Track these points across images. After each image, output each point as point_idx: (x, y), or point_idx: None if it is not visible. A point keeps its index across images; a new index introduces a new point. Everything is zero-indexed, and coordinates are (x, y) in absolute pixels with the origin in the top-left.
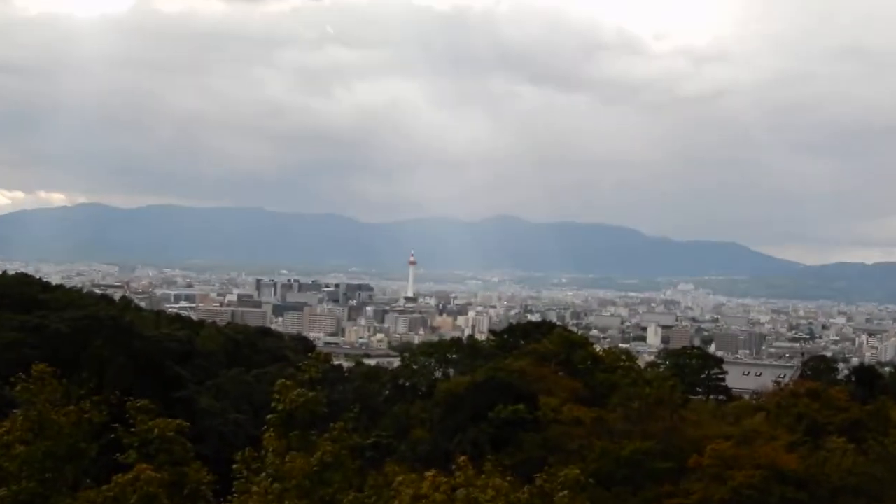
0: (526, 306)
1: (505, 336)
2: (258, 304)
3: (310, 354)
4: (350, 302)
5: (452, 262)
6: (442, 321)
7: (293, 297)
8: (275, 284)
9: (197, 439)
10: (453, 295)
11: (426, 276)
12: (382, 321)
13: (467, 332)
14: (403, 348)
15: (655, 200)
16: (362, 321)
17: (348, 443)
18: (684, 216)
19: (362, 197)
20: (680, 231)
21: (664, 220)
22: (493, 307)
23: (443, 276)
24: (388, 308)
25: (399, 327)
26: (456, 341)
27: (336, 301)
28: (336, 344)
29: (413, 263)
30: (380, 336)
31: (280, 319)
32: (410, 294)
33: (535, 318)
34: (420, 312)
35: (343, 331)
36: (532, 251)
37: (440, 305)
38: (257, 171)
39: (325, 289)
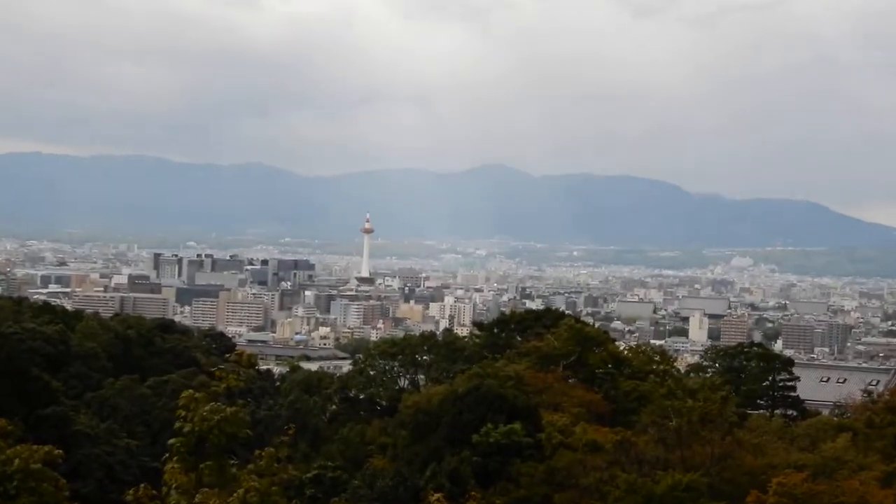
0: (523, 289)
1: (495, 330)
2: (157, 288)
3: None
4: (283, 284)
5: (423, 229)
6: (408, 310)
7: (205, 277)
8: (179, 261)
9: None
10: (423, 274)
11: (387, 248)
12: (327, 310)
13: (443, 324)
14: (356, 347)
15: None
16: (299, 310)
17: (281, 476)
18: (741, 167)
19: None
20: (735, 187)
21: (713, 173)
22: (479, 290)
23: (409, 249)
24: (334, 293)
25: (350, 318)
26: (428, 337)
27: (263, 283)
28: (264, 342)
29: (369, 231)
30: (324, 331)
31: (187, 309)
32: (365, 273)
33: (535, 304)
34: (379, 298)
35: (273, 324)
36: (532, 214)
37: (406, 288)
38: (156, 108)
39: (249, 266)
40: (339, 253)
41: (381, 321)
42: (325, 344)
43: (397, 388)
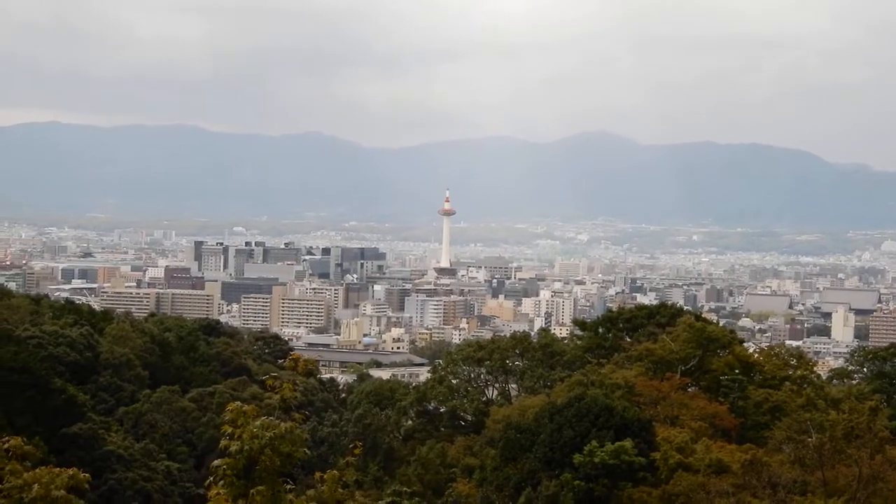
0: (633, 281)
1: (600, 330)
2: (199, 283)
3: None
4: (348, 277)
5: (513, 210)
6: (497, 306)
7: (255, 270)
8: (225, 250)
9: (104, 502)
10: (514, 264)
11: (470, 233)
12: (401, 308)
13: (538, 323)
14: (435, 351)
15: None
16: (368, 308)
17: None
18: (893, 131)
19: (364, 108)
20: (886, 155)
21: (859, 139)
22: (581, 283)
23: (497, 234)
24: (409, 287)
25: (427, 317)
26: (520, 339)
27: (325, 276)
28: (326, 346)
29: (449, 213)
30: (397, 332)
31: (235, 307)
32: (445, 263)
33: (648, 299)
34: (461, 293)
35: (337, 324)
36: (642, 191)
37: (494, 281)
38: (193, 70)
39: (308, 256)
40: (413, 239)
41: (464, 320)
42: (398, 348)
43: (484, 399)
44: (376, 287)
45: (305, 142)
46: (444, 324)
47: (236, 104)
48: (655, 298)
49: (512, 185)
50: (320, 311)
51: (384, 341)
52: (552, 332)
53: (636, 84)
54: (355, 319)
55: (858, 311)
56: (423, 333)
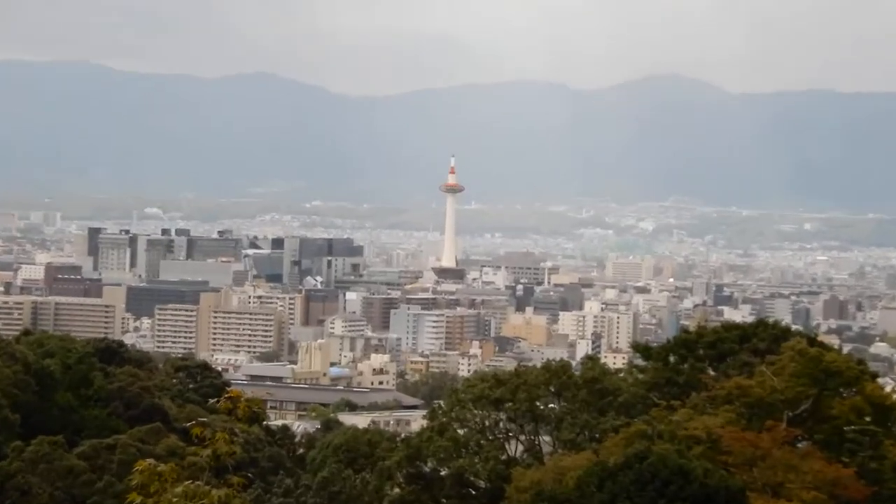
0: (719, 288)
1: (670, 358)
2: (95, 287)
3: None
4: (309, 281)
5: (546, 185)
6: (523, 324)
7: (176, 269)
8: (132, 241)
9: None
10: (548, 264)
11: (486, 218)
12: (385, 325)
13: (582, 349)
14: (434, 388)
15: None
16: (338, 325)
17: None
18: None
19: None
20: None
21: None
22: (643, 290)
23: (524, 220)
24: (396, 295)
25: (423, 339)
26: (557, 371)
27: (276, 279)
28: (278, 379)
29: (454, 189)
30: (379, 360)
31: (146, 322)
32: (449, 262)
33: (740, 314)
34: (472, 304)
35: (293, 347)
36: (730, 159)
37: (518, 287)
38: None
39: (252, 250)
40: (403, 227)
41: (476, 343)
42: (380, 383)
43: (504, 458)
44: (350, 295)
45: (252, 86)
46: (446, 348)
47: (152, 37)
48: (751, 314)
49: (546, 149)
50: (268, 329)
51: (360, 373)
52: (602, 361)
53: (724, 7)
54: (319, 342)
55: None
56: (416, 362)
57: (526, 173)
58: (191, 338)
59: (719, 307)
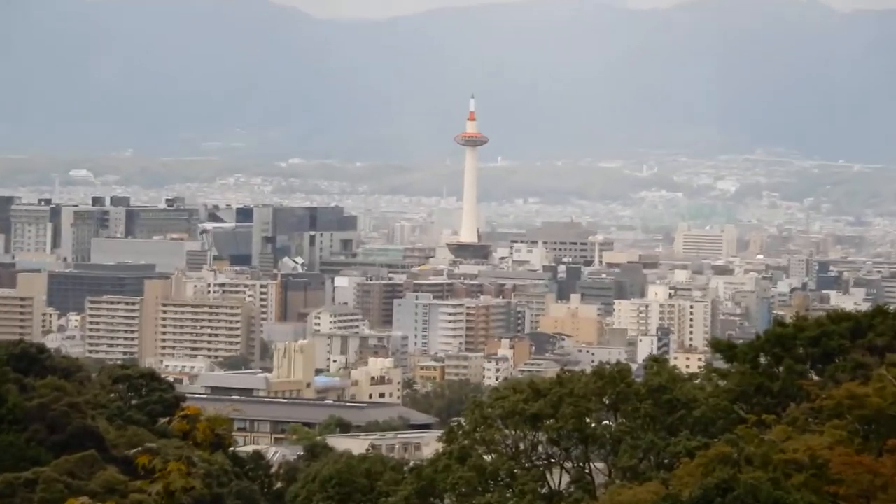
0: (822, 267)
1: (760, 359)
2: (7, 274)
3: (167, 422)
4: (287, 262)
5: (594, 134)
6: (568, 316)
7: (112, 249)
8: (55, 211)
9: None
10: (599, 237)
11: (516, 178)
12: (387, 319)
13: (645, 348)
14: (451, 402)
15: None
16: (325, 320)
17: None
18: None
19: None
20: None
21: None
22: (724, 271)
23: (565, 179)
24: (401, 280)
25: (437, 336)
26: (612, 377)
27: (243, 261)
28: (248, 392)
29: (475, 141)
30: (379, 364)
31: (74, 318)
32: (469, 236)
33: (851, 301)
34: (500, 291)
35: (267, 350)
36: (839, 101)
37: (560, 269)
38: None
39: (212, 224)
40: (409, 191)
41: (505, 342)
42: (381, 395)
43: (545, 491)
44: (340, 281)
45: (205, 7)
46: (467, 349)
47: None
48: (865, 299)
49: (594, 87)
50: (234, 326)
51: (355, 383)
52: (671, 363)
53: None
54: (300, 342)
55: None
56: (427, 368)
57: (568, 119)
58: (133, 339)
59: (824, 291)
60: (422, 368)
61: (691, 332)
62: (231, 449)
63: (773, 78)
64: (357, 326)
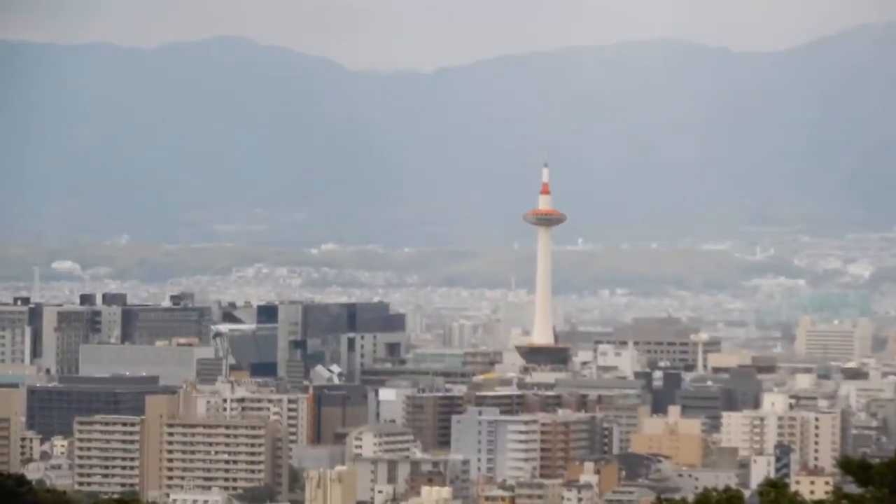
0: None
1: None
2: None
3: None
4: (321, 372)
5: (695, 209)
6: (665, 432)
7: (104, 357)
8: (34, 312)
9: None
10: (701, 336)
11: (600, 262)
12: (444, 439)
13: (761, 470)
14: None
15: None
16: (367, 441)
17: None
18: None
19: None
20: None
21: None
22: (857, 374)
23: (661, 265)
24: (461, 391)
25: (506, 460)
26: (728, 503)
27: (267, 370)
28: None
29: (552, 219)
30: (438, 494)
31: (61, 444)
32: (544, 338)
33: None
34: (583, 404)
35: (298, 479)
36: None
37: (657, 375)
38: None
39: (227, 326)
40: (468, 283)
41: (590, 465)
42: None
43: None
44: (386, 394)
45: (220, 59)
46: (542, 474)
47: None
48: None
49: (689, 149)
50: (257, 450)
51: None
52: (792, 489)
53: None
54: (339, 469)
55: None
56: (495, 498)
57: (662, 191)
58: (132, 468)
59: None
60: (487, 499)
61: (816, 450)
62: None
63: None
64: (407, 448)
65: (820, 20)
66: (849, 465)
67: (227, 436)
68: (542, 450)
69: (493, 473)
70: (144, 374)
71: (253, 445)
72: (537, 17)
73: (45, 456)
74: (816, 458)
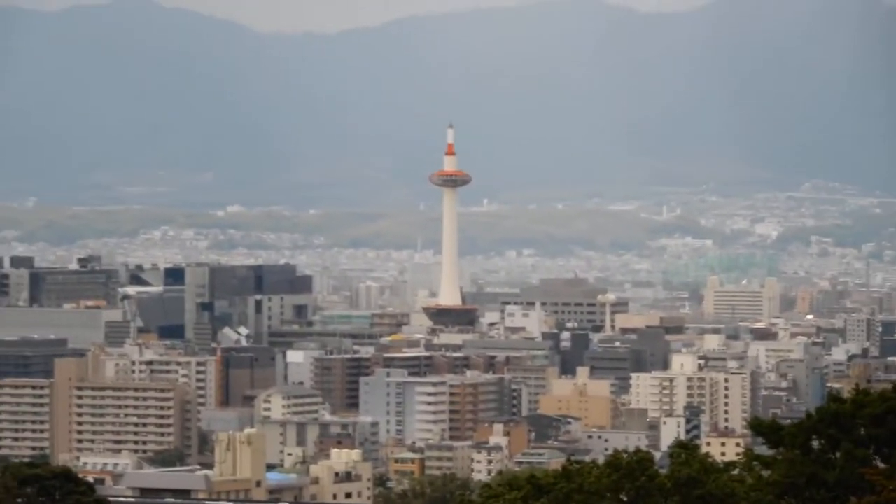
0: (885, 325)
1: (811, 443)
2: None
3: None
4: (228, 334)
5: (603, 169)
6: (574, 393)
7: (11, 320)
8: None
9: None
10: (609, 296)
11: (507, 224)
12: (352, 401)
13: (670, 432)
14: (433, 500)
15: None
16: (276, 404)
17: None
18: None
19: None
20: None
21: None
22: (766, 334)
23: (567, 225)
24: (365, 354)
25: (414, 421)
26: (630, 469)
27: (174, 332)
28: (185, 493)
29: (456, 180)
30: (346, 456)
31: None
32: (450, 298)
33: None
34: (491, 366)
35: (206, 441)
36: None
37: (564, 336)
38: None
39: (135, 288)
40: (375, 244)
41: (499, 427)
42: (348, 495)
43: None
44: (294, 356)
45: (124, 19)
46: (451, 436)
47: None
48: None
49: (597, 110)
50: (166, 413)
51: (316, 480)
52: (703, 450)
53: None
54: (247, 431)
55: None
56: (404, 460)
57: (569, 152)
58: (42, 431)
59: (890, 358)
60: (396, 461)
61: (727, 412)
62: None
63: (821, 95)
64: (316, 411)
65: None
66: (759, 427)
67: (137, 399)
68: (451, 412)
69: (403, 436)
70: (53, 336)
71: (162, 408)
72: None
73: None
74: (726, 420)
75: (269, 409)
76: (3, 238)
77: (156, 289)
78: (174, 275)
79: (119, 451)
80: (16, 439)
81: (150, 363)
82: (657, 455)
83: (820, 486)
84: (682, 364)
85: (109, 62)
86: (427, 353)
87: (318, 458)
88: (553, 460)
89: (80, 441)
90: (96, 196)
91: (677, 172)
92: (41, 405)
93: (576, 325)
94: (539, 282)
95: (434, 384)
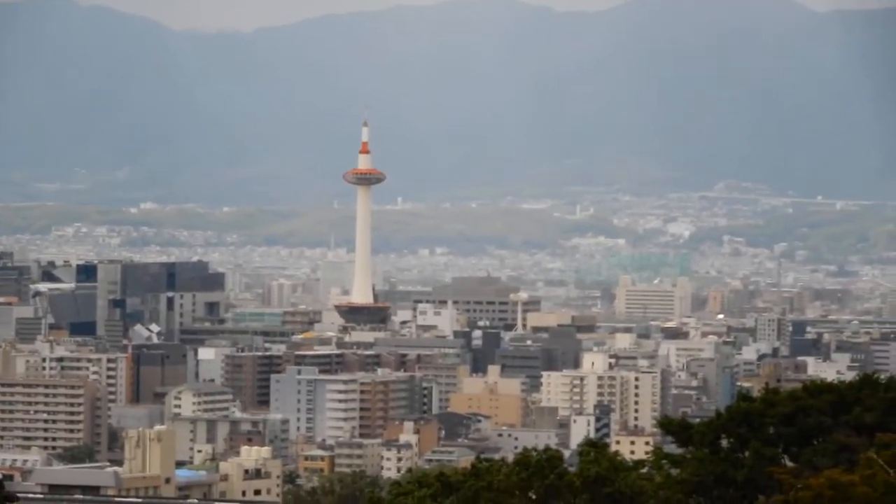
0: (795, 325)
1: (720, 441)
2: None
3: None
4: (139, 331)
5: (516, 166)
6: (485, 392)
7: None
8: None
9: None
10: (521, 295)
11: (420, 223)
12: (263, 398)
13: (580, 431)
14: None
15: None
16: (187, 401)
17: None
18: None
19: None
20: None
21: None
22: (678, 334)
23: (482, 224)
24: (276, 352)
25: (324, 420)
26: (540, 467)
27: (86, 329)
28: (93, 490)
29: (370, 178)
30: (255, 454)
31: None
32: (363, 297)
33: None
34: (402, 363)
35: (116, 439)
36: (816, 120)
37: (476, 335)
38: None
39: (46, 285)
40: (288, 241)
41: (409, 425)
42: (258, 493)
43: None
44: (205, 353)
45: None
46: (361, 434)
47: None
48: (850, 367)
49: (510, 110)
50: (76, 409)
51: (225, 477)
52: (613, 448)
53: None
54: (157, 428)
55: None
56: (314, 458)
57: (483, 151)
58: None
59: (799, 358)
60: (306, 459)
61: (637, 411)
62: None
63: (735, 96)
64: (227, 408)
65: None
66: (669, 425)
67: (47, 395)
68: (362, 409)
69: (313, 433)
70: None
71: (72, 405)
72: None
73: None
74: (636, 418)
75: (179, 406)
76: None
77: (68, 285)
78: (86, 272)
79: (28, 447)
80: None
81: (60, 360)
82: (567, 453)
83: (729, 484)
84: (593, 363)
85: (25, 59)
86: (338, 351)
87: (228, 456)
88: (463, 458)
89: None
90: (10, 192)
91: (590, 172)
92: None
93: (488, 323)
94: (451, 280)
95: (345, 382)
